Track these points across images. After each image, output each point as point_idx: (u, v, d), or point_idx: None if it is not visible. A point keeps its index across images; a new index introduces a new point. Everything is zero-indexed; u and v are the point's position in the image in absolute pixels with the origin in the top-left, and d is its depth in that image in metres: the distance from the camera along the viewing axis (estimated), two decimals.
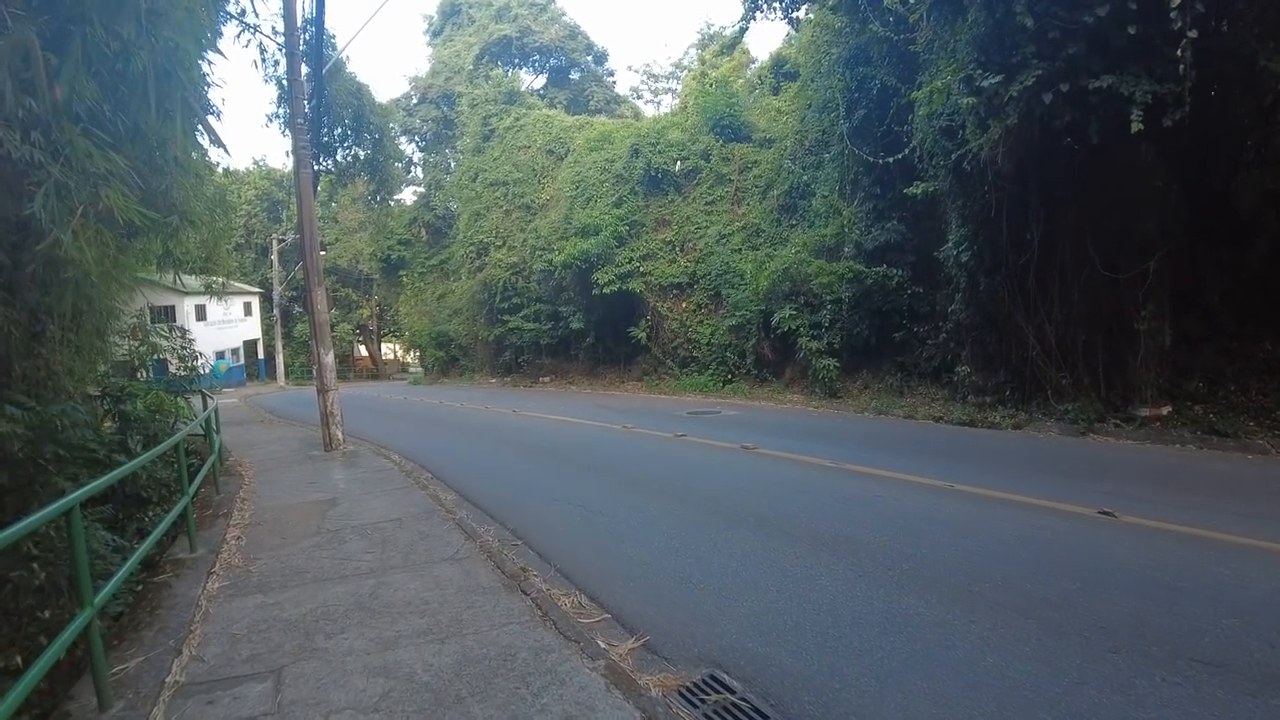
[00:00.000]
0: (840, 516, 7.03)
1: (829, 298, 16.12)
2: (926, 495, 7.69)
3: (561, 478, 9.61)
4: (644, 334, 21.89)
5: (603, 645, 4.54)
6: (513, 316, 26.65)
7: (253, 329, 44.22)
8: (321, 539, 7.07)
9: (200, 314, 36.97)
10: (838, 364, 16.34)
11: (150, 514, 8.63)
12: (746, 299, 18.72)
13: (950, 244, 13.61)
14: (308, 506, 8.53)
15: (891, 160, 14.79)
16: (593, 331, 24.10)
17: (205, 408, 11.94)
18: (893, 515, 6.99)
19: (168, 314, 33.78)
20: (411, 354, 55.08)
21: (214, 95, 9.91)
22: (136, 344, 13.07)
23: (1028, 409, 12.63)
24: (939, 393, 14.98)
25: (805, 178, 18.93)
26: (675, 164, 22.39)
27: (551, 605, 5.14)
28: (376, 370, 53.83)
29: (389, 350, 59.58)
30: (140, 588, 5.77)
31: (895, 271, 15.51)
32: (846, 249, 16.10)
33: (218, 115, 10.53)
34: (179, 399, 13.39)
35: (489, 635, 4.63)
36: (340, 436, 13.09)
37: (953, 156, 12.28)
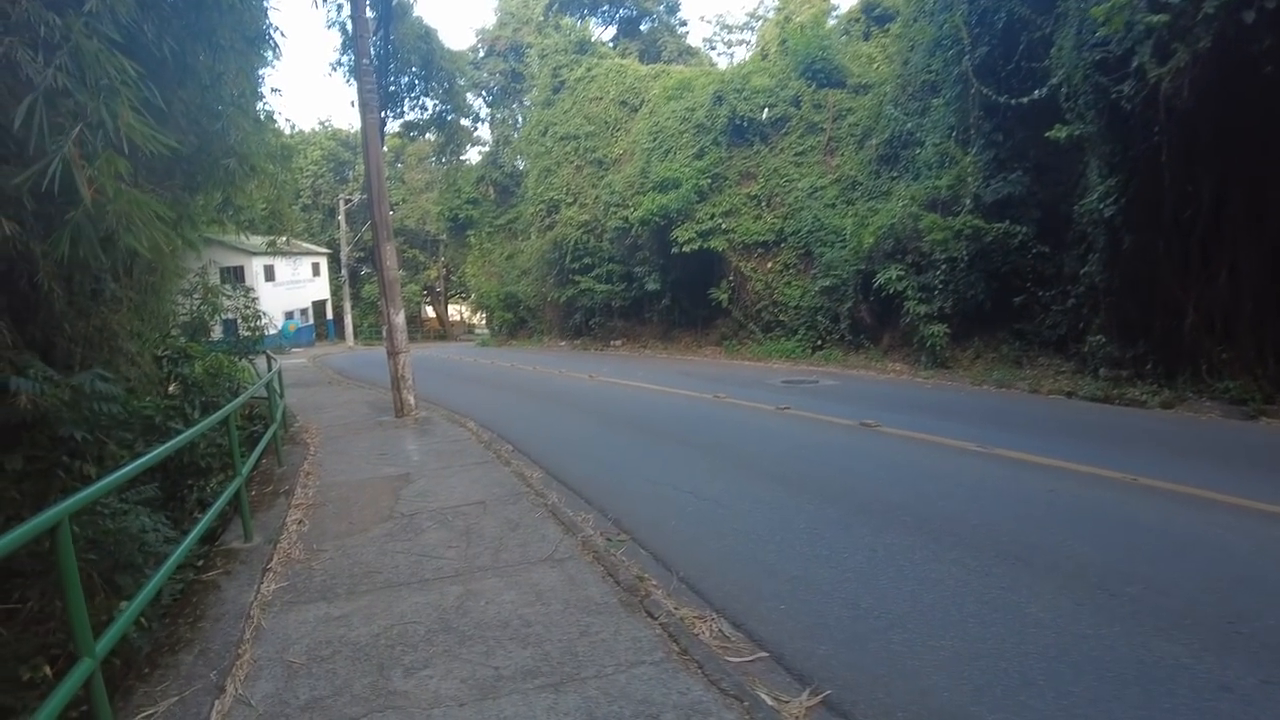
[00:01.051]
0: (1018, 519, 5.66)
1: (942, 257, 14.40)
2: (1112, 491, 6.24)
3: (658, 455, 8.43)
4: (725, 296, 20.44)
5: (770, 703, 3.36)
6: (584, 277, 25.50)
7: (321, 289, 44.34)
8: (395, 526, 6.06)
9: (269, 275, 37.02)
10: (948, 330, 14.69)
11: (214, 484, 7.87)
12: (843, 258, 17.11)
13: (1092, 197, 11.78)
14: (379, 483, 7.58)
15: (1025, 100, 12.92)
16: (669, 293, 22.76)
17: (269, 369, 11.18)
18: (1084, 518, 5.60)
19: (236, 275, 33.90)
20: (478, 315, 54.80)
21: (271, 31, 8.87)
22: (199, 303, 12.43)
23: (1174, 385, 10.88)
24: (1064, 364, 13.27)
25: (910, 125, 17.05)
26: (762, 111, 20.65)
27: (687, 635, 3.97)
28: (444, 331, 53.75)
29: (455, 312, 59.49)
30: (182, 588, 4.83)
31: (1018, 228, 13.70)
32: (964, 202, 14.32)
33: (276, 52, 9.48)
34: (242, 361, 12.76)
35: (616, 681, 3.48)
36: (412, 402, 12.21)
37: (1110, 94, 10.46)
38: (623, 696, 3.35)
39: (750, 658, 3.85)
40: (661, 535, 5.76)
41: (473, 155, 45.64)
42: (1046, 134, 11.76)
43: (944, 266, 14.42)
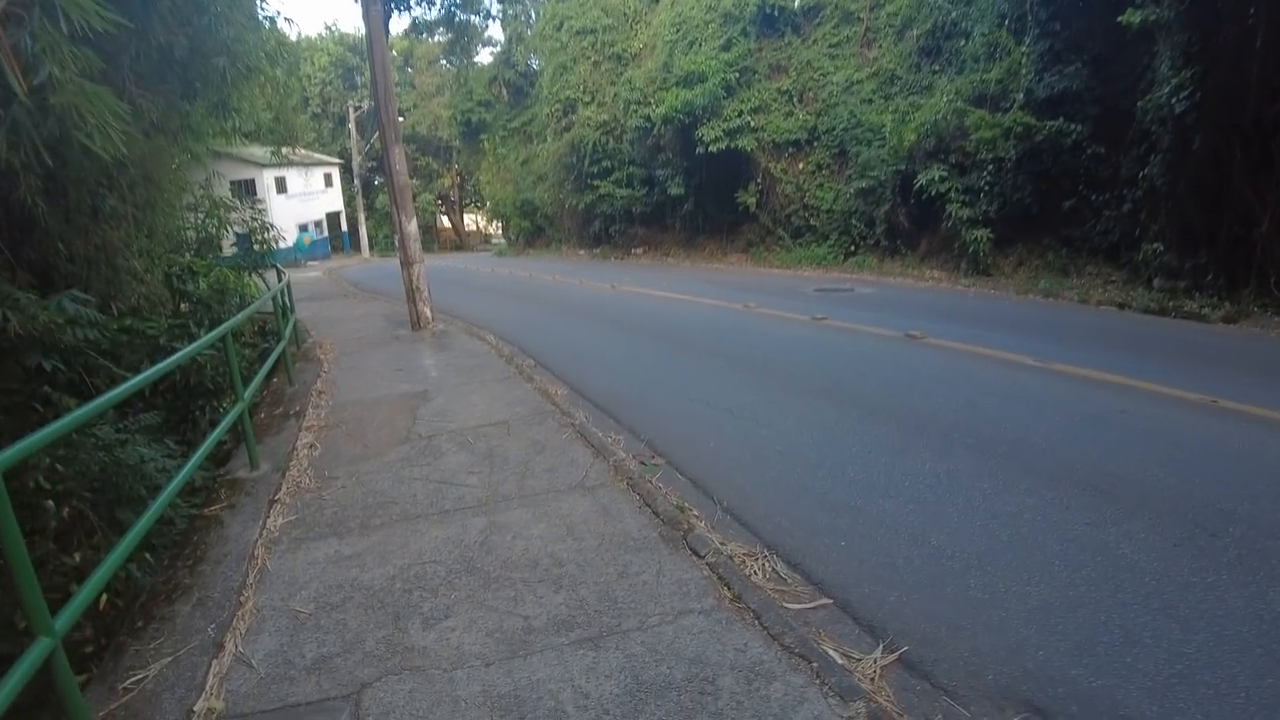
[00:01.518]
0: (1092, 443, 5.11)
1: (990, 156, 13.34)
2: (1189, 414, 5.68)
3: (691, 370, 7.92)
4: (753, 200, 19.41)
5: (840, 662, 2.93)
6: (603, 181, 24.40)
7: (334, 201, 43.30)
8: (412, 449, 5.65)
9: (280, 187, 36.03)
10: (991, 236, 13.80)
11: (226, 405, 7.53)
12: (880, 158, 16.02)
13: (1161, 91, 10.67)
14: (395, 401, 7.15)
15: None
16: (692, 197, 21.71)
17: (280, 283, 10.68)
18: (1164, 444, 5.05)
19: (248, 188, 33.00)
20: (494, 224, 53.69)
21: None
22: (203, 216, 11.84)
23: (1236, 298, 10.14)
24: (1115, 274, 12.47)
25: (954, 14, 15.56)
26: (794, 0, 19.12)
27: (739, 577, 3.53)
28: (460, 241, 52.80)
29: (471, 221, 58.32)
30: (185, 524, 4.46)
31: (1073, 126, 12.58)
32: (1014, 98, 13.15)
33: None
34: (250, 275, 12.24)
35: (663, 635, 3.06)
36: (428, 314, 11.72)
37: None
38: (671, 654, 2.93)
39: (812, 604, 3.42)
40: (699, 458, 5.29)
41: (484, 56, 43.65)
42: (1118, 19, 10.55)
43: (990, 167, 13.39)
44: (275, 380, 8.39)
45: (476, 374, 8.16)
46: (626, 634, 3.08)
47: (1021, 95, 13.00)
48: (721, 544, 3.90)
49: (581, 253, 28.24)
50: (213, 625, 3.26)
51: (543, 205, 31.35)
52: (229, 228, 12.44)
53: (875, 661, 2.96)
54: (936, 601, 3.37)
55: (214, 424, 7.04)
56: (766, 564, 3.77)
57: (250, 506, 4.59)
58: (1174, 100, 10.25)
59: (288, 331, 8.60)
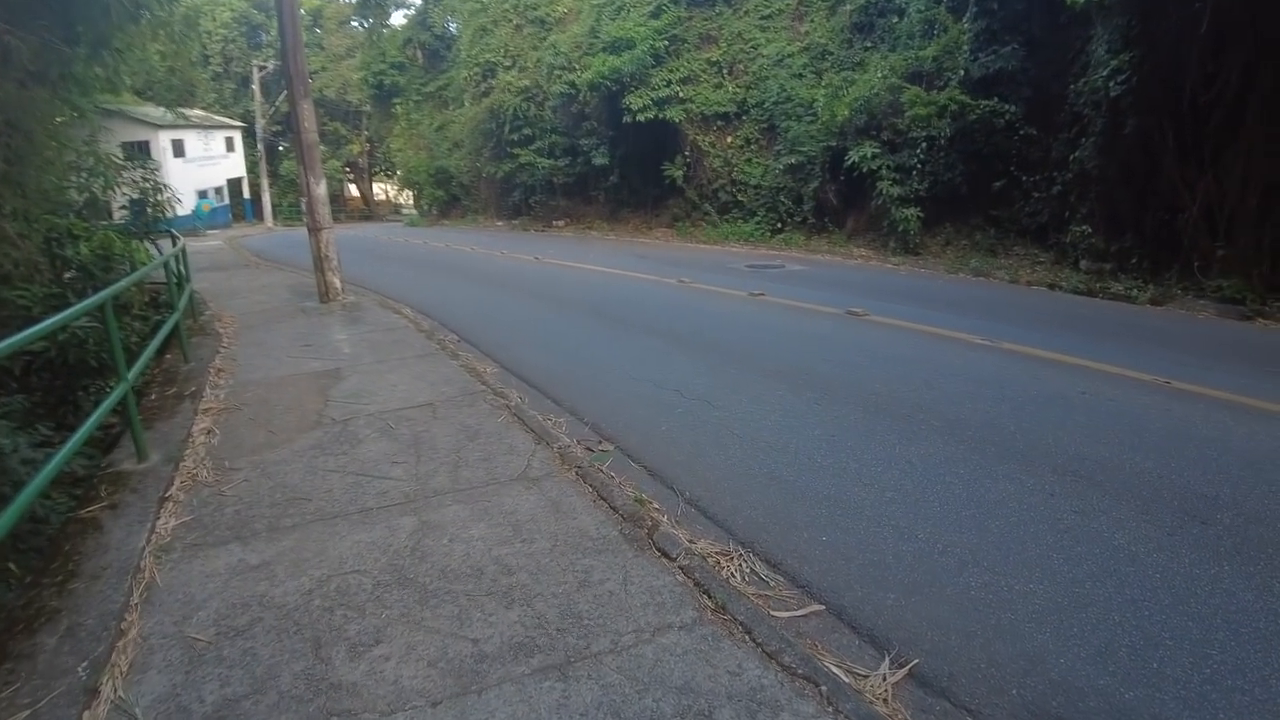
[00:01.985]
0: (1062, 426, 4.93)
1: (923, 135, 13.31)
2: (1150, 396, 5.58)
3: (630, 347, 7.43)
4: (679, 173, 18.97)
5: (846, 680, 2.55)
6: (524, 150, 23.42)
7: (236, 166, 40.39)
8: (325, 435, 4.97)
9: (178, 150, 33.33)
10: (921, 215, 13.84)
11: (114, 384, 6.62)
12: (811, 133, 15.84)
13: (1098, 74, 10.78)
14: (304, 381, 6.39)
15: None
16: (617, 169, 21.09)
17: (174, 249, 9.58)
18: (1133, 427, 4.91)
19: (141, 150, 30.57)
20: (405, 194, 51.49)
21: None
22: (86, 177, 10.53)
23: (1160, 281, 10.43)
24: (1042, 255, 12.71)
25: None
26: None
27: (717, 581, 3.12)
28: (369, 211, 50.37)
29: (380, 190, 55.73)
30: (55, 521, 3.70)
31: (1006, 107, 12.68)
32: (949, 76, 13.13)
33: None
34: (142, 243, 11.00)
35: (643, 659, 2.60)
36: (338, 285, 10.80)
37: None
38: (655, 682, 2.48)
39: (802, 611, 3.03)
40: (652, 444, 4.84)
41: (398, 18, 41.51)
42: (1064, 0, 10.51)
43: (924, 145, 13.36)
44: (169, 357, 7.46)
45: (395, 350, 7.44)
46: (598, 658, 2.60)
47: (960, 74, 12.98)
48: (690, 541, 3.47)
49: (500, 224, 27.23)
50: (85, 663, 2.58)
51: (458, 174, 30.08)
52: (116, 189, 11.15)
53: (884, 679, 2.59)
54: (937, 604, 3.04)
55: (99, 403, 6.19)
56: (744, 564, 3.36)
57: (136, 506, 3.85)
58: (1110, 84, 10.35)
59: (182, 303, 7.64)
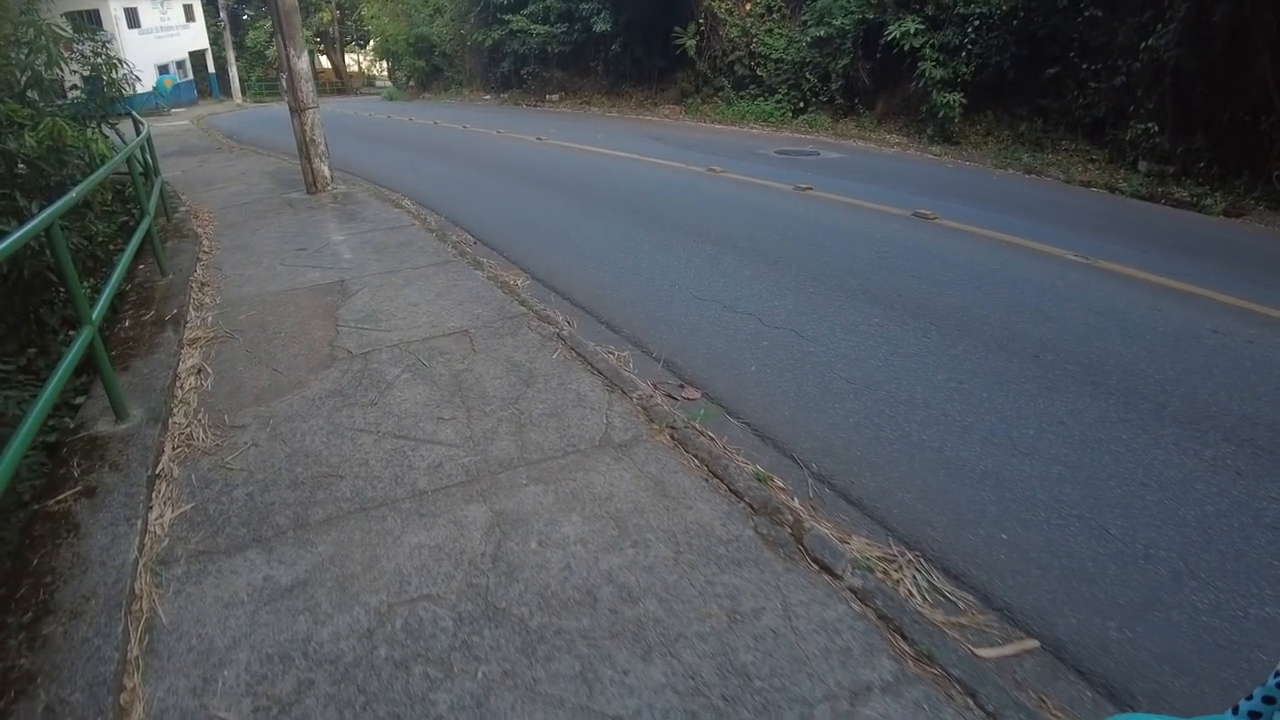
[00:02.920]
0: (1207, 377, 4.16)
1: (977, 10, 11.78)
2: None
3: (683, 256, 6.44)
4: (692, 42, 17.17)
5: None
6: (515, 16, 21.18)
7: (198, 38, 36.94)
8: (344, 376, 4.09)
9: (132, 20, 30.34)
10: (964, 100, 12.55)
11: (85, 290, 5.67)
12: (843, 3, 14.17)
13: None
14: (305, 298, 5.44)
15: None
16: (620, 37, 19.15)
17: (138, 136, 8.26)
18: None
19: (90, 20, 27.88)
20: (380, 65, 48.04)
21: None
22: (26, 51, 8.99)
23: (1228, 189, 9.47)
24: (1095, 152, 11.55)
25: None
26: None
27: (904, 610, 2.37)
28: (342, 84, 46.99)
29: (353, 62, 51.88)
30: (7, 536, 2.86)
31: None
32: None
33: None
34: (99, 127, 9.57)
35: None
36: (326, 173, 9.58)
37: None
38: None
39: (1012, 649, 2.33)
40: (746, 390, 4.02)
41: None
42: None
43: (976, 23, 11.88)
44: (141, 268, 6.44)
45: (404, 255, 6.44)
46: None
47: None
48: (842, 541, 2.72)
49: (487, 98, 25.23)
50: None
51: (440, 43, 27.65)
52: (64, 65, 9.61)
53: None
54: (1175, 638, 2.34)
55: (69, 325, 5.24)
56: (918, 576, 2.62)
57: (120, 490, 2.99)
58: None
59: (152, 203, 6.50)
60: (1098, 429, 3.58)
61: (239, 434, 3.50)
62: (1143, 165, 10.62)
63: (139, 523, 2.78)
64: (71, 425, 3.59)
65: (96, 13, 28.42)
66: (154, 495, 3.01)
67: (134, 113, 10.39)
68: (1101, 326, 4.81)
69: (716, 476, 3.08)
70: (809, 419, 3.70)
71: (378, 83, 49.41)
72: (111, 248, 7.36)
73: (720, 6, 16.80)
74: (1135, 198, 9.78)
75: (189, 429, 3.54)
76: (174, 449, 3.37)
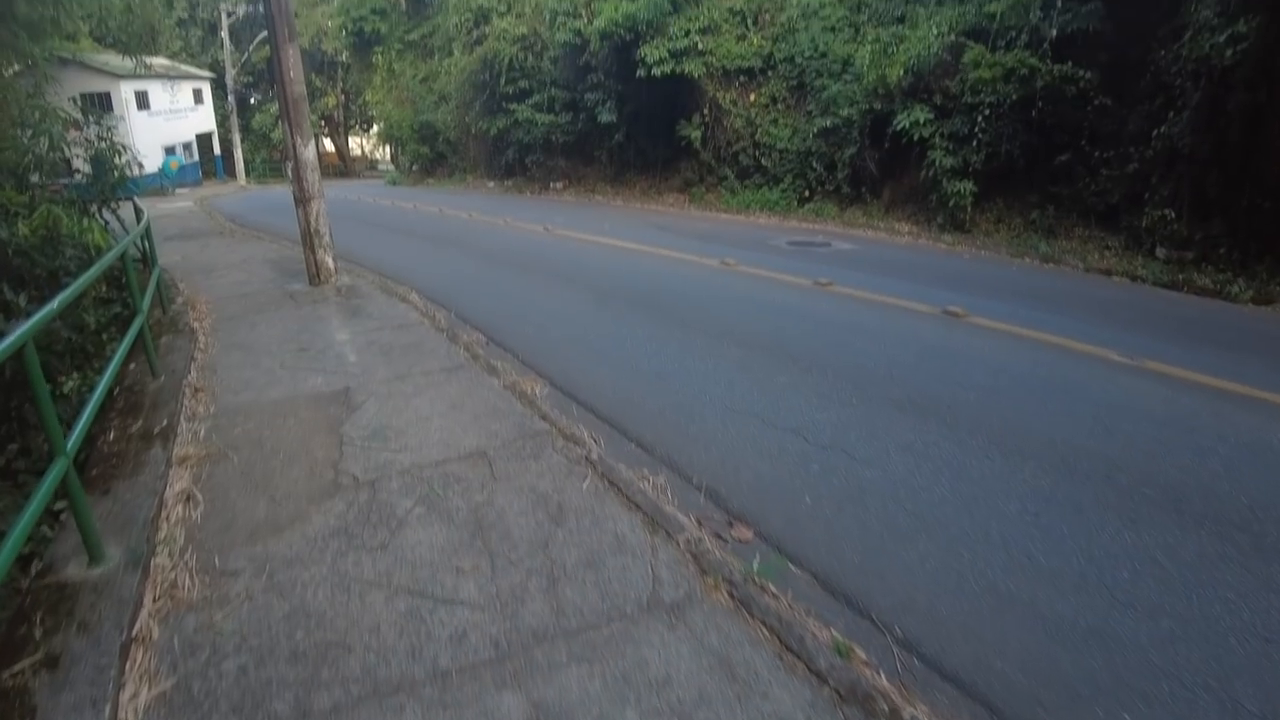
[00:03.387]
0: None
1: (988, 100, 11.90)
2: None
3: (708, 360, 6.08)
4: (697, 133, 17.38)
5: None
6: (520, 105, 21.54)
7: (205, 120, 37.75)
8: (349, 509, 3.64)
9: (142, 102, 30.98)
10: (975, 189, 12.55)
11: (74, 381, 5.35)
12: (849, 94, 14.37)
13: (1204, 41, 9.45)
14: (306, 408, 5.02)
15: None
16: (625, 127, 19.42)
17: (139, 223, 8.05)
18: None
19: (101, 102, 28.68)
20: (382, 150, 49.06)
21: None
22: (30, 134, 8.91)
23: (1250, 275, 9.37)
24: (1110, 239, 11.52)
25: None
26: None
27: None
28: (345, 167, 47.89)
29: (356, 145, 53.05)
30: None
31: (1082, 73, 11.30)
32: (1019, 36, 11.69)
33: None
34: (100, 214, 9.39)
35: None
36: (330, 264, 9.32)
37: None
38: None
39: None
40: (803, 529, 3.58)
41: None
42: None
43: (986, 112, 11.98)
44: (132, 367, 6.04)
45: (413, 358, 6.08)
46: None
47: (1028, 34, 11.57)
48: None
49: (491, 185, 25.48)
50: None
51: (445, 129, 28.12)
52: (68, 148, 9.51)
53: None
54: None
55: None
56: None
57: (89, 660, 2.50)
58: (1226, 52, 9.06)
59: (147, 298, 6.18)
60: (1198, 569, 3.16)
61: (231, 582, 3.04)
62: (1160, 251, 10.53)
63: (108, 707, 2.31)
64: (39, 566, 3.13)
65: (108, 95, 29.02)
66: (128, 667, 2.53)
67: (135, 198, 10.25)
68: (1169, 440, 4.44)
69: (790, 651, 2.62)
70: (881, 565, 3.26)
71: (380, 166, 50.40)
72: (105, 337, 7.02)
73: (725, 98, 17.08)
74: (1157, 285, 9.66)
75: (173, 574, 3.07)
76: (155, 601, 2.90)
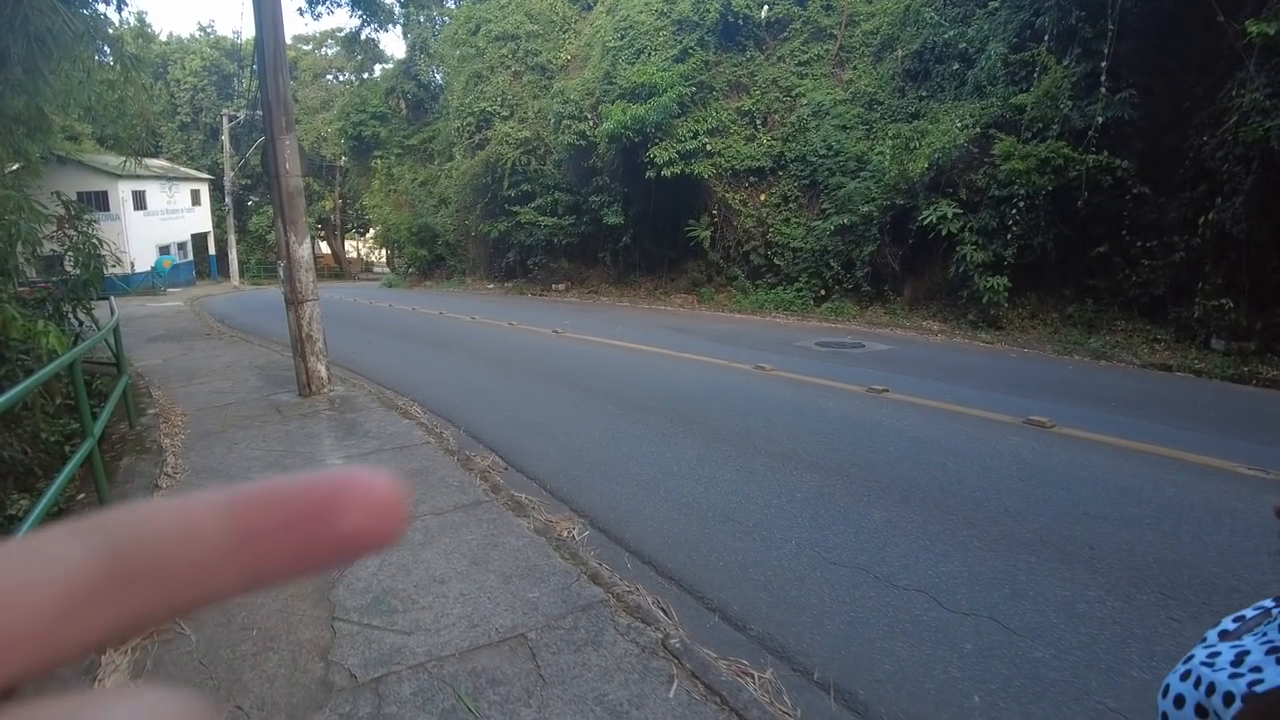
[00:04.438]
0: None
1: (1020, 192, 11.41)
2: None
3: (779, 490, 5.07)
4: (707, 234, 16.92)
5: None
6: (523, 208, 21.25)
7: (202, 221, 37.77)
8: None
9: (139, 202, 30.95)
10: (1008, 284, 11.92)
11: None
12: (865, 191, 13.96)
13: (1257, 125, 9.01)
14: None
15: None
16: (631, 228, 19.04)
17: (111, 321, 7.18)
18: None
19: (98, 201, 28.49)
20: (379, 252, 49.19)
21: None
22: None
23: None
24: (1159, 331, 10.82)
25: (950, 34, 13.84)
26: (760, 9, 16.88)
27: None
28: (341, 269, 47.80)
29: (351, 248, 53.26)
30: None
31: (1120, 162, 10.87)
32: (1049, 127, 11.33)
33: None
34: (74, 311, 8.54)
35: None
36: (323, 373, 8.38)
37: None
38: None
39: None
40: None
41: (378, 72, 39.89)
42: (1249, 27, 8.79)
43: (1021, 204, 11.47)
44: (82, 497, 4.99)
45: (420, 490, 5.04)
46: None
47: (1058, 124, 11.20)
48: None
49: (490, 287, 24.98)
50: None
51: (444, 232, 27.87)
52: (38, 244, 8.73)
53: None
54: None
55: None
56: None
57: None
58: (1271, 131, 8.59)
59: (104, 416, 5.19)
60: None
61: None
62: (1217, 344, 9.84)
63: None
64: None
65: (105, 194, 28.91)
66: None
67: (112, 298, 9.39)
68: None
69: None
70: None
71: (376, 268, 50.40)
72: (69, 449, 6.04)
73: (734, 198, 16.71)
74: (1224, 379, 8.89)
75: None
76: None
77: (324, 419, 7.24)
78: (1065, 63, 11.21)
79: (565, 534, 4.33)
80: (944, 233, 12.17)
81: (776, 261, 16.09)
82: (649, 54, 17.28)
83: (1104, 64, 10.85)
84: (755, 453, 5.78)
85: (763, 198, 16.58)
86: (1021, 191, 11.39)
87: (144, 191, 31.42)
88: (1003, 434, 6.16)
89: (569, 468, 5.62)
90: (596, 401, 7.72)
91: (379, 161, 33.01)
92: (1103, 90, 10.90)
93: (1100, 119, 10.70)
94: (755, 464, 5.52)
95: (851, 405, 7.22)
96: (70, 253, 8.85)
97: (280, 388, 8.75)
